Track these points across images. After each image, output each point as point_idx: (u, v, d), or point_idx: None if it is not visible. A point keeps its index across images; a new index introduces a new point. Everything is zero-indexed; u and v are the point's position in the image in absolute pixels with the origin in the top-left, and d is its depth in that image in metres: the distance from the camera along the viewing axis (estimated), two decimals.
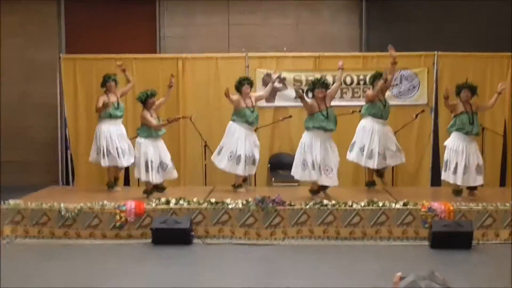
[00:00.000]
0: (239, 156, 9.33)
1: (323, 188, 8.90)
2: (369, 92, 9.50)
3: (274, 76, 9.64)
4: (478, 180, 8.76)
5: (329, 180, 8.83)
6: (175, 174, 9.19)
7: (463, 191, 8.85)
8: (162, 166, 8.99)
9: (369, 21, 11.85)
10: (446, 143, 8.93)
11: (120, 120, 9.71)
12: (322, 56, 10.85)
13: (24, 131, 11.93)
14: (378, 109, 9.31)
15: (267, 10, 12.01)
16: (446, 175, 8.88)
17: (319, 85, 8.92)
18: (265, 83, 10.36)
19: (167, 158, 9.03)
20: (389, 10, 11.84)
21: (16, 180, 11.22)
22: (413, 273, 2.69)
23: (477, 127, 8.85)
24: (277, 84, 10.51)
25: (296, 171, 8.89)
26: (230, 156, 9.37)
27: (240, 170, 9.38)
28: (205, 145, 10.20)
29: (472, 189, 8.84)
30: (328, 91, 8.98)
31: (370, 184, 9.60)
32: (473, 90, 8.90)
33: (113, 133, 9.61)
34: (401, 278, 2.73)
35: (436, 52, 10.58)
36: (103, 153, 9.57)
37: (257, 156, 9.44)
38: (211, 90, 10.66)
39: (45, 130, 11.78)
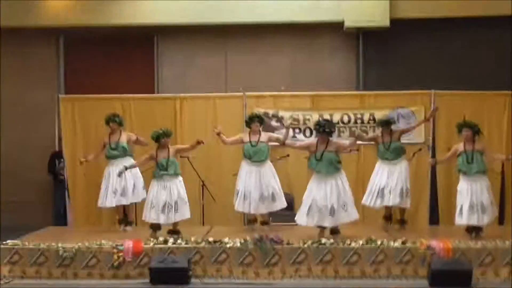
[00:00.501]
0: (238, 192, 9.48)
1: (332, 230, 8.84)
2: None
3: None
4: (483, 220, 8.74)
5: (326, 221, 8.78)
6: (177, 216, 8.95)
7: (473, 231, 8.82)
8: (166, 207, 8.93)
9: (366, 59, 11.98)
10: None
11: (121, 159, 9.67)
12: (319, 95, 10.93)
13: (22, 172, 11.93)
14: (380, 151, 9.55)
15: (265, 49, 12.15)
16: (457, 218, 8.90)
17: (323, 129, 8.90)
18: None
19: (171, 199, 8.94)
20: (386, 49, 11.98)
21: (14, 220, 11.17)
22: None
23: (478, 166, 8.80)
24: (274, 123, 10.61)
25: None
26: (236, 193, 9.51)
27: (237, 205, 9.47)
28: (203, 185, 10.20)
29: (477, 229, 8.81)
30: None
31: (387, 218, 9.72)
32: (474, 129, 8.93)
33: (111, 173, 9.66)
34: None
35: (432, 90, 10.65)
36: (103, 193, 9.67)
37: (254, 194, 9.38)
38: (209, 130, 10.67)
39: (43, 171, 11.77)
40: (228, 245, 8.29)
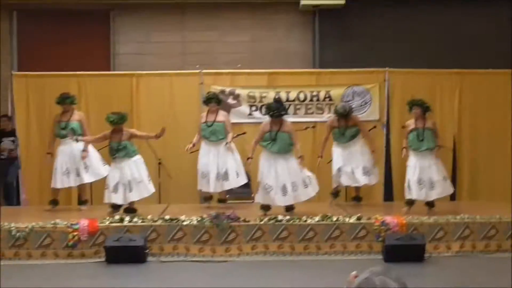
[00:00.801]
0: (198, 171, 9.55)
1: (287, 207, 8.89)
2: None
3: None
4: (431, 195, 8.92)
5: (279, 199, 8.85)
6: (133, 196, 8.91)
7: (414, 203, 8.99)
8: (118, 187, 8.88)
9: (322, 37, 11.99)
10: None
11: (69, 139, 9.54)
12: (276, 73, 10.94)
13: None
14: (335, 135, 9.70)
15: (222, 27, 12.07)
16: (406, 192, 9.06)
17: (273, 113, 8.95)
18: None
19: (125, 179, 8.86)
20: (342, 27, 12.01)
21: None
22: (367, 270, 2.68)
23: (428, 143, 8.97)
24: (231, 101, 10.62)
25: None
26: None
27: (198, 184, 9.60)
28: (159, 163, 10.16)
29: (429, 205, 8.98)
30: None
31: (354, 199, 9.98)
32: (423, 107, 9.09)
33: (60, 152, 9.58)
34: (356, 277, 2.72)
35: (386, 68, 10.77)
36: (53, 174, 9.57)
37: (212, 173, 9.42)
38: (166, 107, 10.63)
39: None
40: (184, 223, 8.29)
